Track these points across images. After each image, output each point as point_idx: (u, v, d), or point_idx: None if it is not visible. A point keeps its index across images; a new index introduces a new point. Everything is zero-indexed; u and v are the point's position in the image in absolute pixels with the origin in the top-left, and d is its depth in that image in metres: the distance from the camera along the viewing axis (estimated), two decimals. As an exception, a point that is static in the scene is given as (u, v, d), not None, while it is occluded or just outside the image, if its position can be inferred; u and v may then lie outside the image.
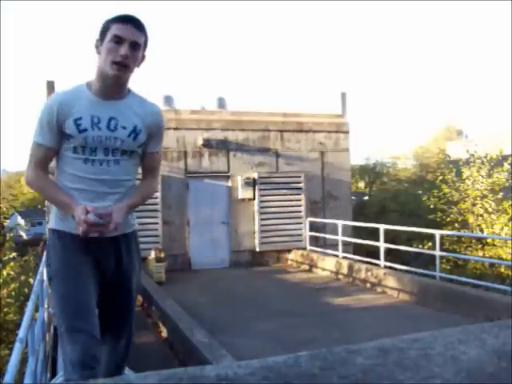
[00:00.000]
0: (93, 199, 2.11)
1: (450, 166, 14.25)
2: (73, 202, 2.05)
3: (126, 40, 2.03)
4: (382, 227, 9.21)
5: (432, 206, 13.75)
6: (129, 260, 2.27)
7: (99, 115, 2.10)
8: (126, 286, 2.30)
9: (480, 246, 12.85)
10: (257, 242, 11.49)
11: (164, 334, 6.02)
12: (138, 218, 2.49)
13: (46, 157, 2.14)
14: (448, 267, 11.57)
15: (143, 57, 2.15)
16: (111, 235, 2.14)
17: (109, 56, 2.04)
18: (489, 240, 12.58)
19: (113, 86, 2.11)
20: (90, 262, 2.14)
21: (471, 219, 13.42)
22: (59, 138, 2.10)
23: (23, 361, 2.96)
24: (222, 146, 11.42)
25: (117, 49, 2.03)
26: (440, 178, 13.95)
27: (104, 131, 2.10)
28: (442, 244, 9.58)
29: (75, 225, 2.03)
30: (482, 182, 13.32)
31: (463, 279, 8.12)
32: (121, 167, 2.16)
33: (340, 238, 10.30)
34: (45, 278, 3.98)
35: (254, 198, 11.44)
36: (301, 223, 11.63)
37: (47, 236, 2.28)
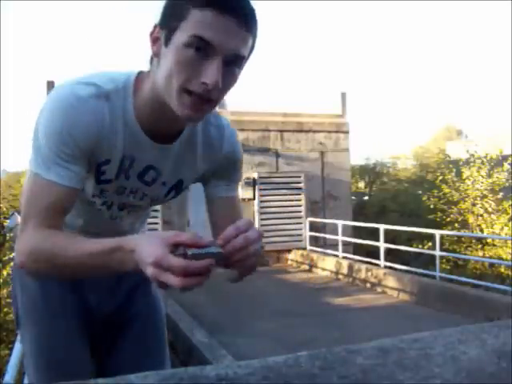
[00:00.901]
0: None
1: (450, 166, 14.25)
2: (122, 241, 0.96)
3: (219, 50, 0.95)
4: (382, 227, 9.22)
5: (432, 206, 13.75)
6: (145, 288, 1.50)
7: (135, 156, 1.16)
8: (148, 320, 1.49)
9: (480, 245, 12.85)
10: (257, 241, 11.49)
11: (164, 333, 6.02)
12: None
13: (62, 204, 1.08)
14: (448, 267, 11.57)
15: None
16: None
17: (180, 76, 0.97)
18: (489, 240, 12.57)
19: (173, 124, 1.13)
20: (76, 300, 1.41)
21: (471, 219, 13.41)
22: (85, 168, 1.11)
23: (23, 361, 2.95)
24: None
25: (199, 65, 0.96)
26: (440, 178, 13.95)
27: (132, 181, 1.21)
28: (441, 244, 9.58)
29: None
30: (482, 182, 13.31)
31: (463, 279, 8.13)
32: (136, 215, 1.38)
33: (340, 237, 10.31)
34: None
35: (253, 198, 11.45)
36: (301, 223, 11.64)
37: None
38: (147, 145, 1.16)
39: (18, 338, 2.31)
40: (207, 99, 0.99)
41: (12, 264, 1.49)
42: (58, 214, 1.08)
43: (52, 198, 1.06)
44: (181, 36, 0.97)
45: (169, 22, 0.99)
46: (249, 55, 1.03)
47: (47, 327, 1.37)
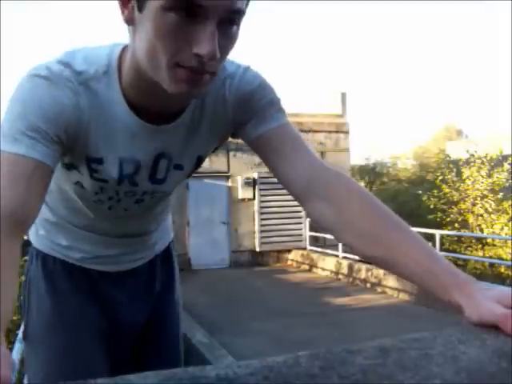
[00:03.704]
0: (101, 247, 1.19)
1: (450, 165, 14.24)
2: None
3: (210, 12, 0.72)
4: (382, 227, 9.22)
5: (432, 206, 13.75)
6: (167, 291, 1.36)
7: (139, 158, 0.96)
8: (166, 331, 1.35)
9: (480, 245, 12.85)
10: (257, 242, 11.49)
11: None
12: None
13: (32, 181, 0.79)
14: (448, 267, 11.55)
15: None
16: (140, 262, 1.25)
17: (165, 49, 0.75)
18: (489, 240, 12.58)
19: (172, 101, 0.90)
20: (94, 308, 1.21)
21: (471, 219, 13.41)
22: (58, 153, 0.87)
23: (23, 361, 2.95)
24: (222, 146, 11.41)
25: (187, 31, 0.74)
26: (440, 177, 13.95)
27: (143, 185, 1.02)
28: (442, 244, 9.58)
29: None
30: (482, 182, 13.31)
31: (463, 279, 8.12)
32: (154, 201, 1.12)
33: (340, 237, 10.30)
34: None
35: (253, 198, 11.45)
36: (301, 223, 11.63)
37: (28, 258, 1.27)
38: (148, 132, 0.93)
39: (18, 338, 2.30)
40: (203, 72, 0.77)
41: (27, 268, 1.25)
42: (26, 190, 0.77)
43: (15, 172, 0.78)
44: None
45: None
46: (246, 5, 0.79)
47: (60, 340, 1.16)
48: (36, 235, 1.24)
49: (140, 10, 0.75)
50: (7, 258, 0.70)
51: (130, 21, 0.79)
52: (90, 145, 0.91)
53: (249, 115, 0.98)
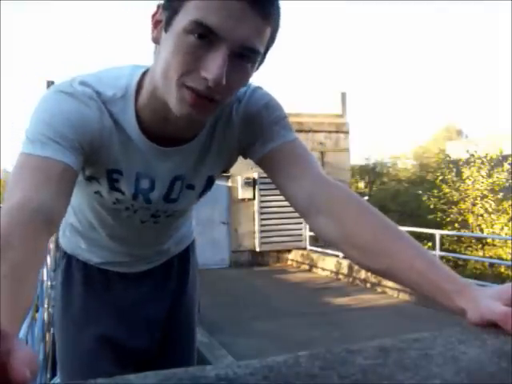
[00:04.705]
0: (118, 255, 1.28)
1: (450, 165, 14.24)
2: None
3: (224, 39, 0.76)
4: (382, 227, 9.21)
5: (432, 206, 13.75)
6: (181, 291, 1.41)
7: (153, 175, 1.02)
8: (181, 331, 1.42)
9: (480, 245, 12.85)
10: (257, 242, 11.49)
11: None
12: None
13: (58, 183, 0.81)
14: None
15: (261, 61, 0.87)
16: (156, 263, 1.34)
17: (178, 67, 0.79)
18: (489, 240, 12.58)
19: (179, 128, 0.95)
20: (111, 307, 1.30)
21: (471, 219, 13.41)
22: (81, 162, 0.90)
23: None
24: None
25: (201, 56, 0.78)
26: (440, 177, 13.95)
27: (157, 204, 1.07)
28: (442, 244, 9.58)
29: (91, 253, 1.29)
30: (482, 182, 13.31)
31: (463, 279, 8.12)
32: (170, 220, 1.20)
33: (340, 237, 10.30)
34: (45, 277, 3.99)
35: (253, 198, 11.44)
36: (301, 223, 11.63)
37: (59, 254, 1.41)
38: (160, 155, 0.98)
39: (18, 338, 2.30)
40: (210, 98, 0.80)
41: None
42: (56, 191, 0.79)
43: (45, 174, 0.80)
44: (181, 20, 0.78)
45: (171, 3, 0.80)
46: (266, 51, 0.84)
47: (68, 335, 1.30)
48: (63, 236, 1.35)
49: (166, 30, 0.81)
50: (36, 254, 0.71)
51: (156, 40, 0.86)
52: (111, 158, 0.97)
53: (254, 136, 1.00)
